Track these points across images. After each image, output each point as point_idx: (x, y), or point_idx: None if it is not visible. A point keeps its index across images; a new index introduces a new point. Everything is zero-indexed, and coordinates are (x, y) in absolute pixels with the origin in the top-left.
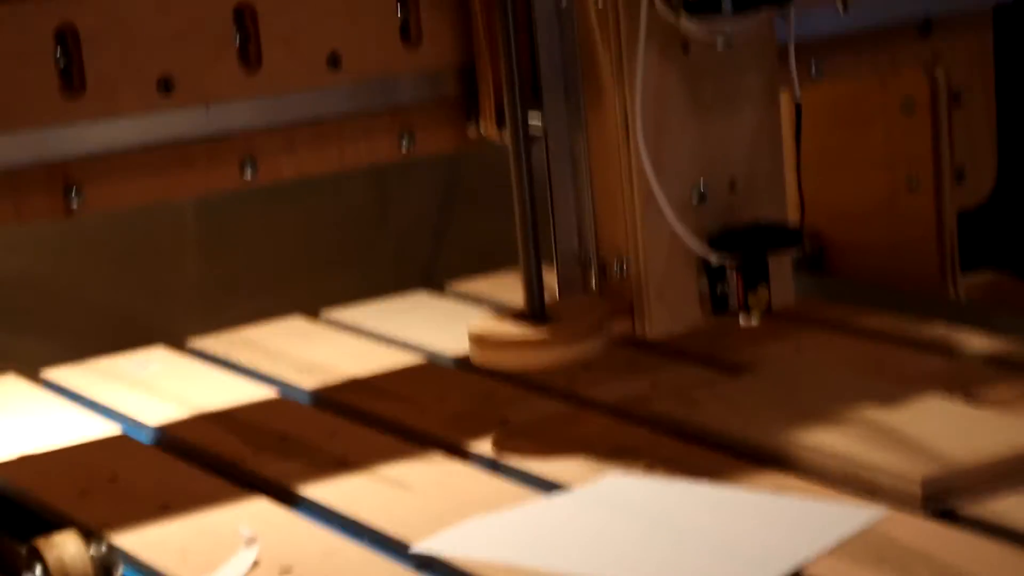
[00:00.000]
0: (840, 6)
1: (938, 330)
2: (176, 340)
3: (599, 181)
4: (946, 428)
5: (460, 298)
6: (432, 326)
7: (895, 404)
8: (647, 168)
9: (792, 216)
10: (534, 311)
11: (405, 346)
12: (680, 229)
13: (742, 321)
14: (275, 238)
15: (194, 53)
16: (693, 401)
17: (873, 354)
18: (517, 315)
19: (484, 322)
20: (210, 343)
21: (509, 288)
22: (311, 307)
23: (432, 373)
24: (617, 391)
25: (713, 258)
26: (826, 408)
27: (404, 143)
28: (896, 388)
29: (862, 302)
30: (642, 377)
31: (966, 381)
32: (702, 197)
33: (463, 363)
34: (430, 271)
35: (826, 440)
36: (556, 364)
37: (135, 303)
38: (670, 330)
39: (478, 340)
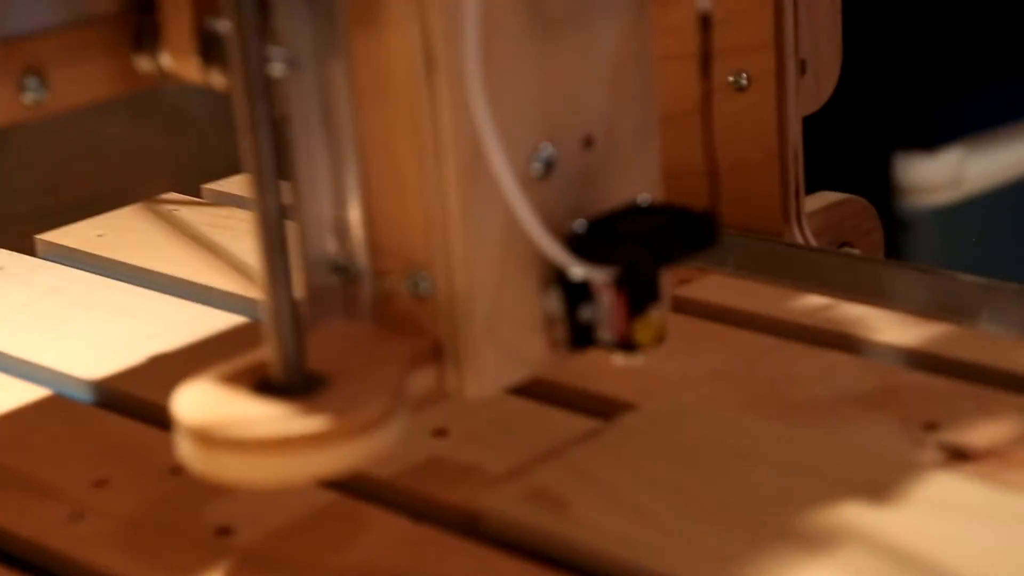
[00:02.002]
0: None
1: (813, 301)
2: None
3: (374, 146)
4: (984, 542)
5: (56, 257)
6: (27, 321)
7: (864, 485)
8: (484, 126)
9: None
10: (291, 377)
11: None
12: (535, 227)
13: (620, 361)
14: None
15: None
16: (549, 496)
17: (751, 355)
18: (256, 375)
19: (205, 396)
20: None
21: (121, 238)
22: None
23: (74, 425)
24: (409, 462)
25: (578, 271)
26: (772, 503)
27: (30, 92)
28: (835, 435)
29: None
30: (435, 419)
31: (911, 405)
32: (548, 166)
33: (110, 394)
34: None
35: None
36: (342, 470)
37: None
38: (504, 381)
39: (204, 437)
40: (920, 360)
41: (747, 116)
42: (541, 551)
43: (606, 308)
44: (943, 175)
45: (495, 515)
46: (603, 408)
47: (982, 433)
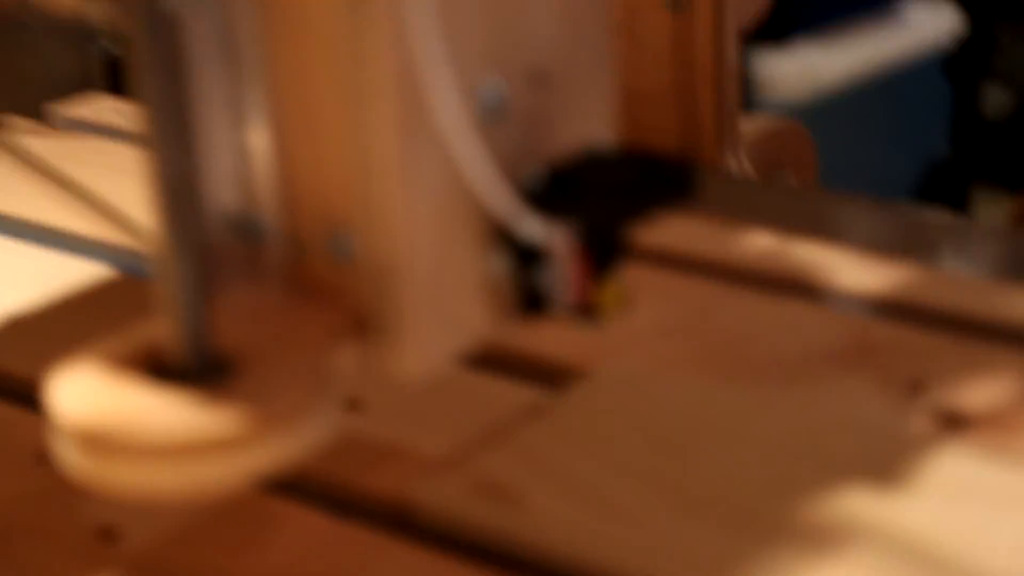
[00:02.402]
0: None
1: (761, 240)
2: None
3: (287, 85)
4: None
5: None
6: None
7: (859, 465)
8: (430, 62)
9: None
10: (196, 361)
11: None
12: (484, 178)
13: (579, 329)
14: None
15: None
16: (498, 487)
17: (700, 306)
18: (148, 356)
19: (90, 387)
20: None
21: None
22: None
23: None
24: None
25: (533, 228)
26: (757, 490)
27: None
28: (813, 402)
29: None
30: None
31: (891, 363)
32: (495, 108)
33: None
34: None
35: None
36: (263, 472)
37: None
38: (444, 356)
39: (95, 443)
40: (892, 309)
41: (681, 35)
42: (491, 552)
43: (564, 270)
44: (797, 70)
45: (434, 509)
46: (542, 373)
47: (975, 395)
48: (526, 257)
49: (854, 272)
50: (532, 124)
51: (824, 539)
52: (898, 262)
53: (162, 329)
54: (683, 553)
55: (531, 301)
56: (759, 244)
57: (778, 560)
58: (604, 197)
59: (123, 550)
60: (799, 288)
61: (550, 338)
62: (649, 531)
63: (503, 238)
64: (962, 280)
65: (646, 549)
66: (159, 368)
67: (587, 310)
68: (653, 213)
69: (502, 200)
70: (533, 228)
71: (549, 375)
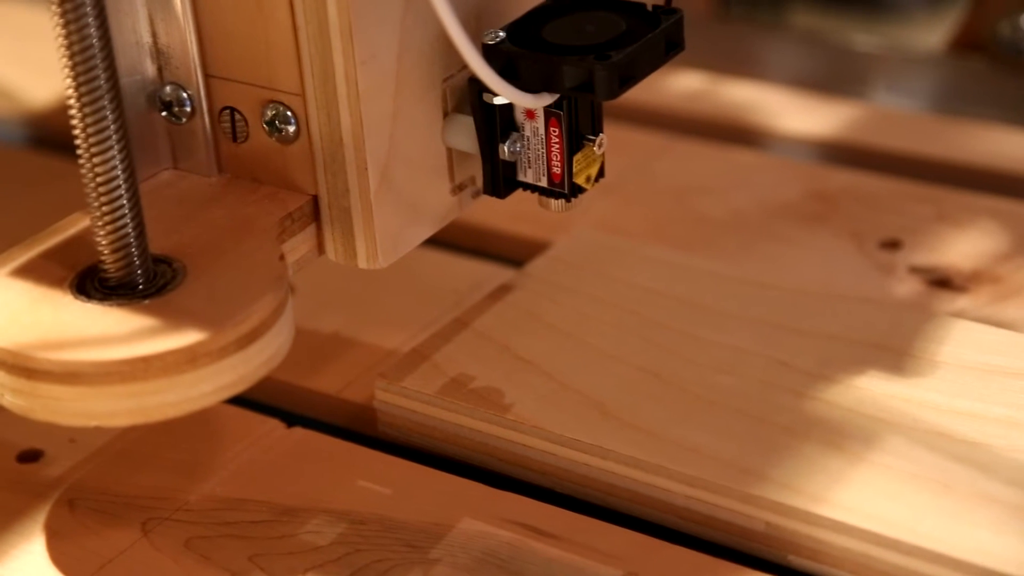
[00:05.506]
0: None
1: (687, 79)
2: None
3: None
4: None
5: None
6: None
7: (859, 341)
8: None
9: None
10: (134, 271)
11: None
12: (462, 38)
13: (554, 208)
14: None
15: None
16: (468, 383)
17: (639, 158)
18: (76, 264)
19: (12, 300)
20: None
21: None
22: None
23: None
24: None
25: (507, 95)
26: (754, 377)
27: None
28: (785, 265)
29: None
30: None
31: (857, 216)
32: None
33: None
34: None
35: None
36: (224, 393)
37: None
38: (406, 243)
39: (24, 364)
40: (843, 153)
41: None
42: (464, 456)
43: (538, 142)
44: None
45: (399, 415)
46: (484, 244)
47: (956, 249)
48: (495, 129)
49: (795, 113)
50: None
51: (846, 430)
52: (838, 99)
53: (89, 236)
54: (695, 456)
55: (499, 179)
56: (685, 83)
57: (802, 455)
58: (583, 55)
59: (48, 473)
60: (739, 133)
61: (487, 205)
62: (651, 433)
63: (471, 108)
64: (911, 118)
65: (649, 452)
66: (91, 279)
67: (562, 187)
68: (642, 73)
69: (481, 63)
70: (508, 95)
71: (489, 245)
